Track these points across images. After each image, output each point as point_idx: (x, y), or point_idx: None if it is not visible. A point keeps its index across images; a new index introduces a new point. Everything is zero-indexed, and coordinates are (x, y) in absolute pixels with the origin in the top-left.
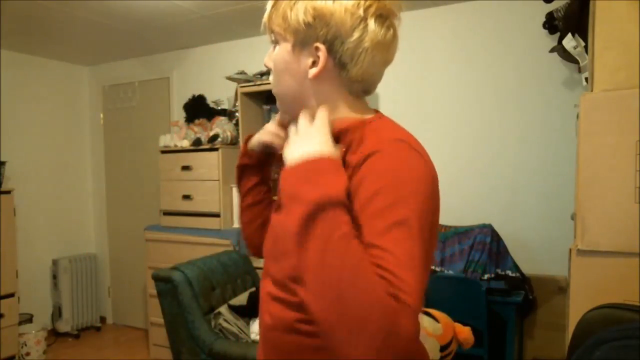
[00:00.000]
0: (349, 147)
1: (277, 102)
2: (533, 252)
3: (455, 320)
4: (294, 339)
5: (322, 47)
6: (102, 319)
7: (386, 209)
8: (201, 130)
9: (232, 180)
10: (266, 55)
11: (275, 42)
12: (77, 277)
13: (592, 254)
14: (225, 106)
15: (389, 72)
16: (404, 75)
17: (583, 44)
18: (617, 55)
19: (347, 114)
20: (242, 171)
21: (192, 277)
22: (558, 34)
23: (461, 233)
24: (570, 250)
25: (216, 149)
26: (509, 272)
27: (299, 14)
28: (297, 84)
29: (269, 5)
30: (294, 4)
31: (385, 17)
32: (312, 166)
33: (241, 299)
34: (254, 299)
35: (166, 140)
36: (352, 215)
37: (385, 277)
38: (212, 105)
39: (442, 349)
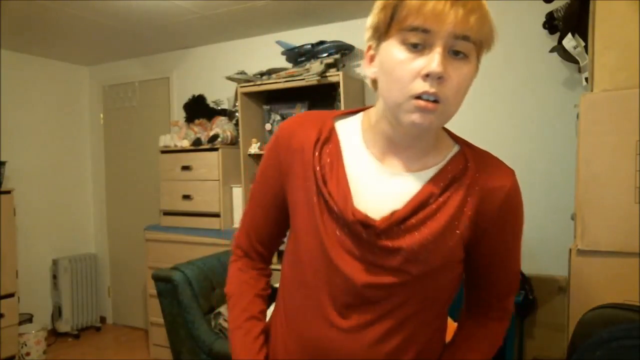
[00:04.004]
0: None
1: (431, 130)
2: (533, 252)
3: (455, 321)
4: None
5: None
6: (102, 319)
7: None
8: (201, 130)
9: (232, 180)
10: (439, 63)
11: (462, 55)
12: (77, 277)
13: (592, 254)
14: (225, 106)
15: None
16: None
17: (583, 44)
18: (617, 55)
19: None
20: None
21: (192, 277)
22: (558, 34)
23: None
24: (570, 250)
25: (216, 149)
26: None
27: (494, 27)
28: (458, 108)
29: (466, 6)
30: (490, 13)
31: None
32: None
33: None
34: None
35: (166, 140)
36: None
37: None
38: (212, 105)
39: None
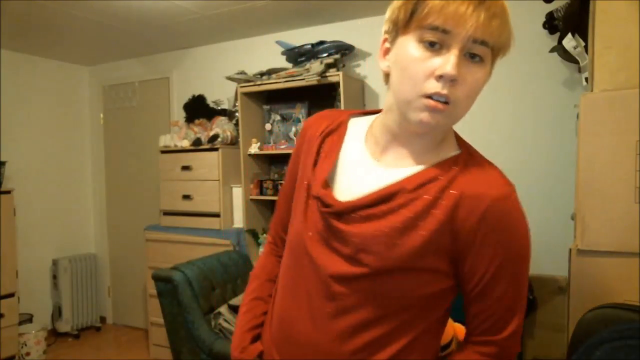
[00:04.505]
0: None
1: (437, 130)
2: (533, 252)
3: (456, 321)
4: None
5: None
6: (102, 319)
7: None
8: (201, 130)
9: (232, 180)
10: (454, 65)
11: (478, 59)
12: (77, 277)
13: (592, 254)
14: (225, 106)
15: None
16: None
17: (583, 44)
18: (617, 55)
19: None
20: None
21: (192, 277)
22: (558, 34)
23: None
24: (570, 250)
25: (216, 149)
26: None
27: (512, 34)
28: (467, 111)
29: (489, 11)
30: (509, 22)
31: None
32: None
33: (241, 299)
34: None
35: (166, 140)
36: None
37: None
38: (212, 105)
39: (442, 348)
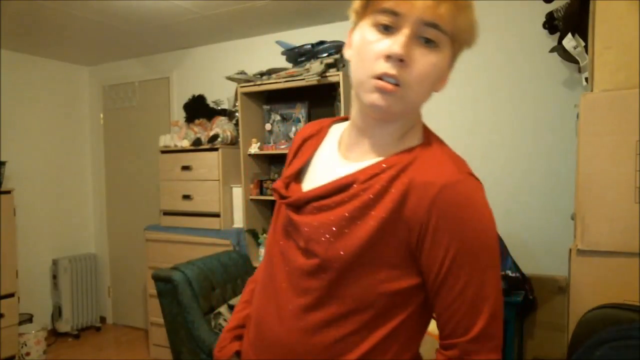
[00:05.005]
0: None
1: (390, 113)
2: (533, 252)
3: None
4: None
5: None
6: (102, 319)
7: None
8: (201, 130)
9: (232, 181)
10: (401, 45)
11: (432, 43)
12: (77, 277)
13: (592, 254)
14: (225, 106)
15: None
16: None
17: (583, 44)
18: (617, 55)
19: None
20: None
21: (192, 277)
22: (558, 34)
23: None
24: (570, 250)
25: (216, 149)
26: (509, 272)
27: (474, 24)
28: (427, 96)
29: None
30: (472, 9)
31: None
32: None
33: None
34: None
35: (166, 140)
36: None
37: None
38: (212, 105)
39: None
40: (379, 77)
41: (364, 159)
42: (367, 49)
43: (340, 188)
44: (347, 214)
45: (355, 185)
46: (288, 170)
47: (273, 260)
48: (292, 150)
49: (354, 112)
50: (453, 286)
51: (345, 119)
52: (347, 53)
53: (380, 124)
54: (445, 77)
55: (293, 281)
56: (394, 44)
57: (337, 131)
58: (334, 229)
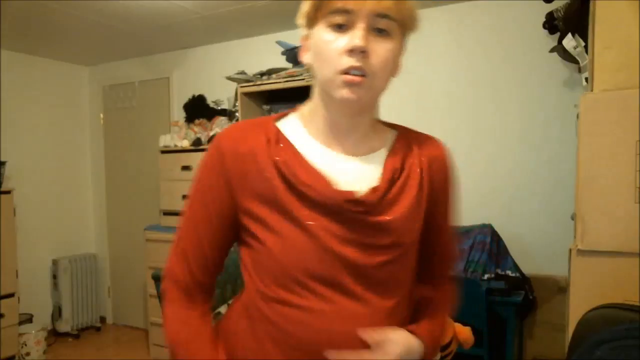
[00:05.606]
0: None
1: (361, 104)
2: (533, 252)
3: (455, 320)
4: None
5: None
6: (102, 319)
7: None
8: (201, 130)
9: None
10: (361, 37)
11: (385, 32)
12: (77, 277)
13: (592, 254)
14: (225, 106)
15: None
16: (403, 75)
17: (583, 44)
18: (617, 55)
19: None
20: None
21: None
22: (558, 34)
23: (461, 233)
24: (570, 250)
25: None
26: (509, 272)
27: (415, 9)
28: (388, 82)
29: None
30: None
31: None
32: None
33: None
34: None
35: (166, 140)
36: None
37: None
38: (212, 105)
39: (443, 348)
40: (346, 72)
41: (359, 153)
42: (328, 48)
43: (392, 180)
44: (412, 204)
45: (398, 175)
46: (310, 176)
47: (311, 269)
48: (267, 162)
49: (324, 110)
50: (447, 229)
51: (279, 116)
52: (306, 57)
53: (356, 117)
54: (399, 62)
55: (355, 278)
56: (354, 38)
57: (294, 131)
58: (410, 218)
